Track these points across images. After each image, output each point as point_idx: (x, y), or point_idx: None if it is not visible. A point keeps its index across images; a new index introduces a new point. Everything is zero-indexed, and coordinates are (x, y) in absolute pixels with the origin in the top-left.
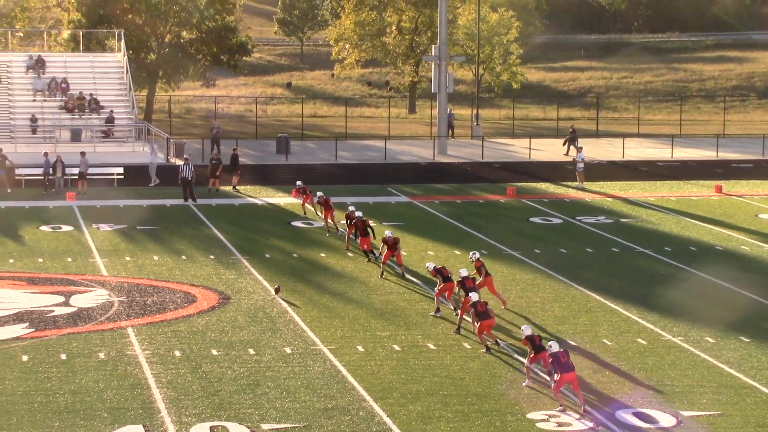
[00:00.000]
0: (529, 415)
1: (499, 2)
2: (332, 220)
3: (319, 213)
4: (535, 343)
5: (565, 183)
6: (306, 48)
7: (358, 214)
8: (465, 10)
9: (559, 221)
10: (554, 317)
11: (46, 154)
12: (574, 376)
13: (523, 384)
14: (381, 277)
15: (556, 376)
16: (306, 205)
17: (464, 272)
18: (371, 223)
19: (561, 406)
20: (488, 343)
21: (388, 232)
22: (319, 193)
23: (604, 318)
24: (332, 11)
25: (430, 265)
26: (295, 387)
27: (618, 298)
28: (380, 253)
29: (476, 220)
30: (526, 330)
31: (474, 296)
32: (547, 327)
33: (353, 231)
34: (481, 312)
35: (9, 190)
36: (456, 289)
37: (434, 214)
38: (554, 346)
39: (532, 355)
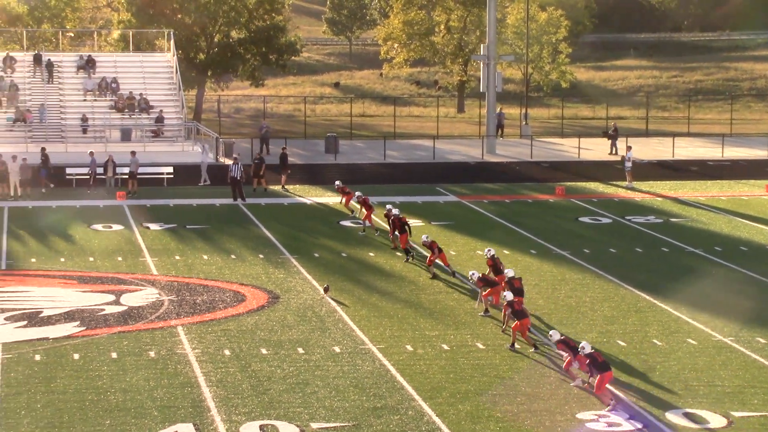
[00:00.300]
0: (579, 415)
1: (548, 1)
2: (369, 221)
3: (361, 211)
4: (570, 345)
5: (614, 182)
6: (354, 47)
7: (395, 212)
8: (514, 9)
9: (608, 221)
10: (604, 317)
11: (91, 153)
12: (612, 374)
13: (572, 384)
14: (432, 278)
15: (594, 378)
16: (351, 203)
17: (510, 272)
18: (411, 221)
19: (608, 405)
20: (531, 342)
21: (424, 236)
22: (357, 193)
23: (653, 318)
24: (381, 10)
25: (475, 275)
26: (345, 386)
27: (668, 298)
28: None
29: (525, 220)
30: (556, 335)
31: (509, 295)
32: (596, 327)
33: (394, 230)
34: (518, 311)
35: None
36: (504, 291)
37: (483, 214)
38: (587, 347)
39: (570, 358)
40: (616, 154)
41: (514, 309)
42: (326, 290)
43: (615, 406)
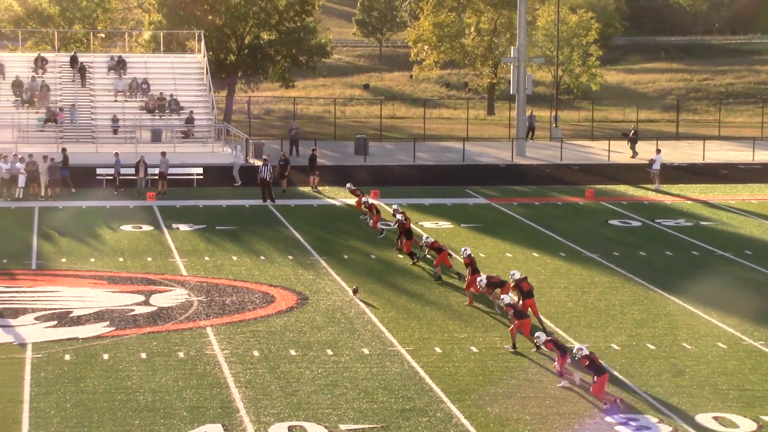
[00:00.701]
0: (608, 418)
1: (578, 4)
2: (375, 226)
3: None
4: (558, 345)
5: (644, 186)
6: (385, 49)
7: (399, 216)
8: (544, 11)
9: (638, 224)
10: (633, 320)
11: (116, 154)
12: (607, 376)
13: (559, 385)
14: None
15: (594, 379)
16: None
17: (517, 274)
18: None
19: (619, 401)
20: (514, 340)
21: (425, 237)
22: (364, 198)
23: (683, 321)
24: (411, 12)
25: (482, 281)
26: (373, 388)
27: (697, 301)
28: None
29: (554, 222)
30: (543, 336)
31: (506, 298)
32: (625, 330)
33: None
34: (520, 311)
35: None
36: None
37: (512, 216)
38: (584, 349)
39: (560, 359)
40: (635, 156)
41: (516, 310)
42: (355, 292)
43: (610, 408)
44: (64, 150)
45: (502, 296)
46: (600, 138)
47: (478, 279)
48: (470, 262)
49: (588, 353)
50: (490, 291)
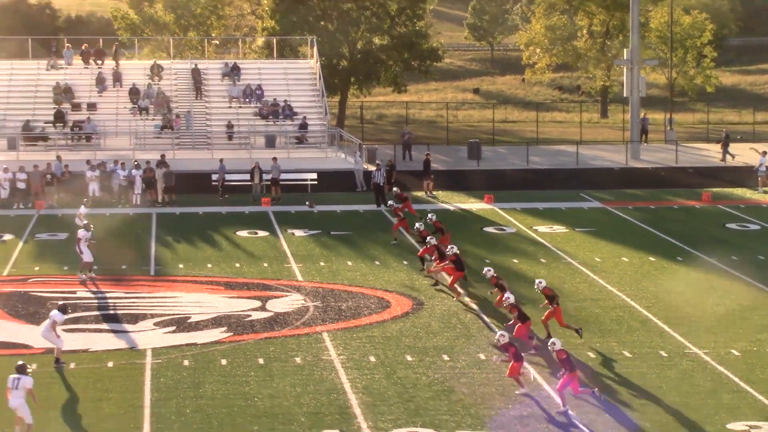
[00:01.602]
0: (730, 426)
1: (692, 5)
2: (394, 228)
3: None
4: (518, 351)
5: (763, 188)
6: (496, 53)
7: (418, 225)
8: (657, 12)
9: (756, 227)
10: (753, 326)
11: (221, 160)
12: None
13: (518, 392)
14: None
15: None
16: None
17: (543, 283)
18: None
19: (597, 392)
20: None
21: (429, 238)
22: (390, 202)
23: None
24: (523, 16)
25: (489, 270)
26: (490, 394)
27: None
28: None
29: (671, 226)
30: (503, 338)
31: (511, 298)
32: (746, 336)
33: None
34: (524, 314)
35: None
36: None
37: (628, 220)
38: (558, 344)
39: (513, 363)
40: (724, 160)
41: (520, 312)
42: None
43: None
44: (162, 156)
45: (506, 295)
46: (716, 140)
47: (486, 269)
48: (456, 260)
49: (561, 347)
50: (494, 281)
